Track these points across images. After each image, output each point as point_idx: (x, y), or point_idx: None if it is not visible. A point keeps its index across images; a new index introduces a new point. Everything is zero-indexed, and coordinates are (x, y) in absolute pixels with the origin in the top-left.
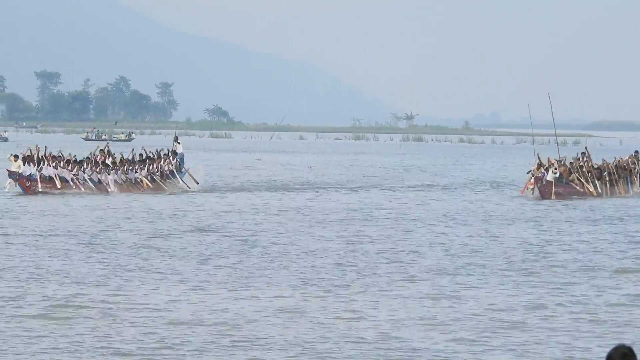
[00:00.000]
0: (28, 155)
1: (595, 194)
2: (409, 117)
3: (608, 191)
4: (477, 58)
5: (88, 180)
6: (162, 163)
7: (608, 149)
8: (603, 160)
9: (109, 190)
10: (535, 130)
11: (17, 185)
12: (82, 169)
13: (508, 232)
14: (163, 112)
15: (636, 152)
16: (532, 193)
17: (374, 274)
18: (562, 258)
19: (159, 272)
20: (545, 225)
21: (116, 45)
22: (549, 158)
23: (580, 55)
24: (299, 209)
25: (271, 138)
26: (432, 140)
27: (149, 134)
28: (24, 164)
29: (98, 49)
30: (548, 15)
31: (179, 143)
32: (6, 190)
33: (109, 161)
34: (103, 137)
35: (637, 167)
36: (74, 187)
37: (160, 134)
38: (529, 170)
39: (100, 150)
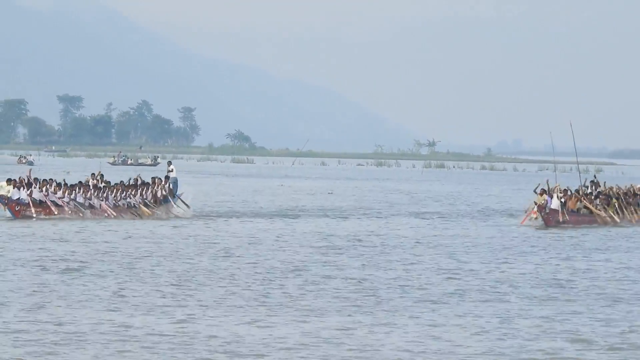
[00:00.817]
0: (19, 180)
1: (609, 221)
2: (431, 144)
3: (618, 218)
4: (500, 85)
5: (78, 205)
6: (155, 188)
7: (631, 177)
8: (611, 186)
9: (105, 214)
10: (557, 157)
11: (7, 209)
12: (74, 193)
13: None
14: (185, 137)
15: None
16: (536, 219)
17: (388, 299)
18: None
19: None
20: (553, 256)
21: (139, 70)
22: (557, 185)
23: (602, 83)
24: (317, 233)
25: (293, 164)
26: (454, 167)
27: (171, 158)
28: (17, 189)
29: (120, 73)
30: (571, 43)
31: (171, 169)
32: (6, 213)
33: (101, 185)
34: (130, 161)
35: None
36: (67, 211)
37: (182, 158)
38: (538, 190)
39: (92, 174)
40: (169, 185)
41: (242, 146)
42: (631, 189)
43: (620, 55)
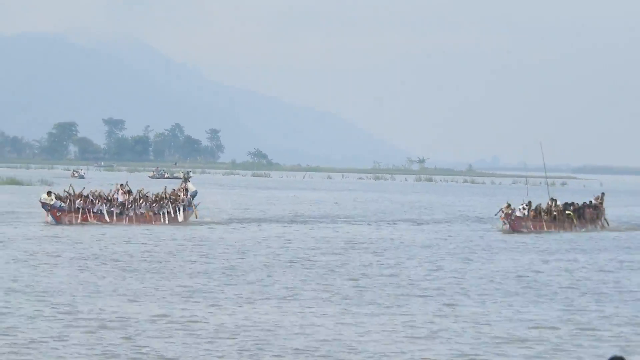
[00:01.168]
0: (68, 193)
1: (556, 228)
2: (421, 161)
3: (572, 227)
4: (479, 110)
5: (106, 213)
6: (176, 199)
7: (590, 190)
8: (568, 203)
9: (132, 221)
10: (528, 172)
11: (50, 215)
12: (108, 203)
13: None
14: (212, 154)
15: (602, 193)
16: (504, 225)
17: (381, 290)
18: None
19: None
20: (517, 254)
21: (172, 97)
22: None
23: (567, 108)
24: (324, 238)
25: (304, 177)
26: (440, 180)
27: (200, 172)
28: (57, 199)
29: (157, 100)
30: (541, 74)
31: (187, 181)
32: (45, 221)
33: (130, 197)
34: (166, 175)
35: (602, 206)
36: (101, 219)
37: (209, 173)
38: (498, 210)
39: (120, 185)
40: (189, 196)
41: (260, 162)
42: (589, 203)
43: (584, 86)
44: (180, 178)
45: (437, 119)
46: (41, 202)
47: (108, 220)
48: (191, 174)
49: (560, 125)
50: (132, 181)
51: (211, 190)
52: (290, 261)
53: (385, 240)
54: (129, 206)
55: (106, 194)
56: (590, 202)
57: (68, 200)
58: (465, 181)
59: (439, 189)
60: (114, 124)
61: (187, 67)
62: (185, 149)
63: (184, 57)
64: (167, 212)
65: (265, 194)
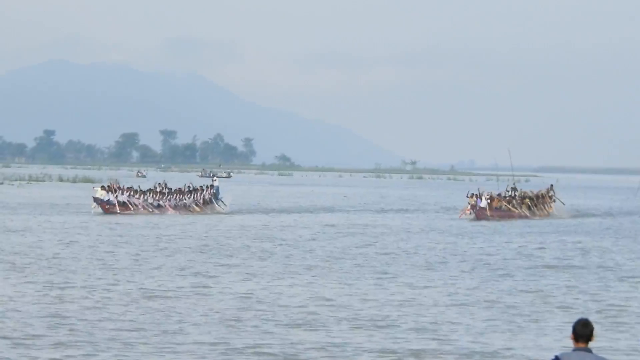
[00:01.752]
0: (109, 186)
1: (522, 215)
2: (413, 163)
3: (529, 214)
4: (460, 120)
5: (149, 205)
6: (204, 193)
7: (547, 185)
8: (524, 191)
9: (168, 212)
10: (499, 172)
11: (99, 207)
12: (147, 197)
13: (452, 241)
14: (246, 158)
15: (551, 185)
16: (470, 215)
17: (384, 266)
18: (494, 258)
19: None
20: (481, 237)
21: (215, 113)
22: (479, 190)
23: (531, 117)
24: (335, 224)
25: (319, 176)
26: (429, 178)
27: (236, 172)
28: (106, 193)
29: (202, 115)
30: (504, 83)
31: (214, 180)
32: (92, 211)
33: (165, 191)
34: (211, 175)
35: (553, 196)
36: (141, 209)
37: (243, 172)
38: (469, 195)
39: (158, 183)
40: (213, 191)
41: (284, 164)
42: (539, 193)
43: (545, 96)
44: (224, 177)
45: (426, 128)
46: (94, 197)
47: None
48: (232, 174)
49: (523, 132)
50: (182, 180)
51: (245, 187)
52: (293, 244)
53: (386, 226)
54: (166, 200)
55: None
56: (542, 193)
57: (116, 194)
58: (449, 179)
59: (428, 185)
60: (168, 134)
61: (227, 89)
62: (225, 154)
63: (225, 82)
64: (195, 204)
65: (289, 190)
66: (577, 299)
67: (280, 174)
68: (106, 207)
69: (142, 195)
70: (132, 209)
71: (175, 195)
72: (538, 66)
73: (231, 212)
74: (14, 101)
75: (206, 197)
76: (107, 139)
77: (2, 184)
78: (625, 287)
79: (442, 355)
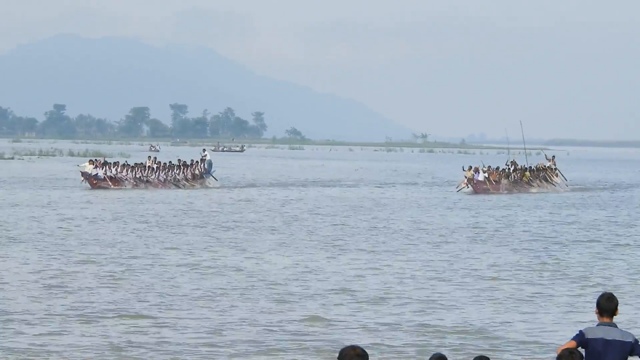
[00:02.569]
0: (97, 160)
1: (515, 190)
2: (424, 136)
3: (536, 187)
4: (471, 93)
5: (137, 180)
6: (194, 168)
7: (559, 159)
8: (523, 165)
9: (157, 187)
10: (510, 145)
11: (86, 182)
12: (135, 172)
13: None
14: (256, 132)
15: (553, 156)
16: (467, 188)
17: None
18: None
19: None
20: (480, 211)
21: (224, 86)
22: (477, 167)
23: (543, 91)
24: (346, 196)
25: (330, 150)
26: (440, 152)
27: (248, 147)
28: (94, 168)
29: (212, 89)
30: (521, 60)
31: (205, 154)
32: (85, 185)
33: (154, 166)
34: (225, 149)
35: (555, 168)
36: (130, 184)
37: (254, 147)
38: (466, 168)
39: (149, 157)
40: (204, 165)
41: (295, 138)
42: (540, 165)
43: (558, 67)
44: (237, 150)
45: (436, 100)
46: (81, 171)
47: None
48: (245, 147)
49: (534, 105)
50: (195, 155)
51: (257, 161)
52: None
53: (395, 200)
54: (155, 175)
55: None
56: (543, 165)
57: (104, 169)
58: (460, 152)
59: (439, 159)
60: (178, 108)
61: (236, 63)
62: (235, 128)
63: (233, 55)
64: (185, 179)
65: (299, 163)
66: (590, 273)
67: (290, 148)
68: (94, 182)
69: (130, 171)
70: (120, 184)
71: (165, 170)
72: (550, 39)
73: (241, 186)
74: (24, 75)
75: (196, 171)
76: (118, 113)
77: (12, 158)
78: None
79: (451, 332)
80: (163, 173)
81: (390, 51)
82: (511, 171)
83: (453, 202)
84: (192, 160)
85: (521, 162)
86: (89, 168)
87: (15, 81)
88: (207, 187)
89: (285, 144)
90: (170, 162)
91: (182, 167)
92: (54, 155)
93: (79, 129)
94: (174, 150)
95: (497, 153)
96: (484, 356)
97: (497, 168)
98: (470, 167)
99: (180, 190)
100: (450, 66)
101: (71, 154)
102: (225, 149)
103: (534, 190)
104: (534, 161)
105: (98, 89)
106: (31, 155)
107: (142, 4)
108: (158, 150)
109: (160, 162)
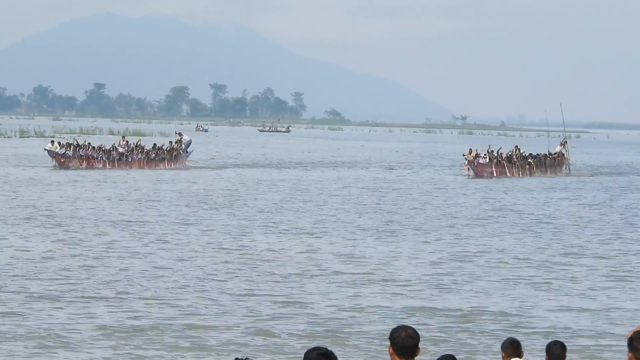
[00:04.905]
0: (59, 142)
1: (517, 175)
2: (463, 118)
3: (531, 174)
4: (510, 74)
5: (109, 159)
6: (172, 148)
7: (599, 142)
8: (532, 154)
9: (128, 167)
10: (550, 127)
11: (54, 161)
12: (110, 152)
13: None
14: (296, 113)
15: (565, 141)
16: (468, 172)
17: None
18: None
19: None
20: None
21: (265, 67)
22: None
23: (582, 72)
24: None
25: (369, 131)
26: (479, 133)
27: (287, 127)
28: (59, 146)
29: (252, 69)
30: (563, 41)
31: (181, 135)
32: (50, 165)
33: (130, 146)
34: (270, 129)
35: (566, 154)
36: (102, 164)
37: (294, 127)
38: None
39: (122, 136)
40: (182, 146)
41: (334, 119)
42: (545, 153)
43: (599, 49)
44: (283, 131)
45: (475, 83)
46: (46, 150)
47: (109, 166)
48: (291, 128)
49: (574, 87)
50: (238, 134)
51: (297, 141)
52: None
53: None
54: (128, 155)
55: (108, 147)
56: (550, 153)
57: (72, 149)
58: (499, 134)
59: (479, 140)
60: (218, 88)
61: (277, 43)
62: (275, 109)
63: (275, 36)
64: (166, 159)
65: (338, 144)
66: (596, 258)
67: (330, 129)
68: (62, 161)
69: (106, 152)
70: (92, 163)
71: (141, 150)
72: (592, 19)
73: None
74: (64, 54)
75: (174, 153)
76: (157, 92)
77: (53, 136)
78: None
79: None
80: (140, 153)
81: (428, 31)
82: (513, 156)
83: (473, 188)
84: (171, 142)
85: (554, 145)
86: (55, 146)
87: (55, 60)
88: (184, 166)
89: (325, 124)
90: (139, 140)
91: (157, 147)
92: (94, 134)
93: (118, 108)
94: (222, 129)
95: (536, 135)
96: (450, 355)
97: (499, 150)
98: (471, 150)
99: (161, 169)
100: (490, 46)
101: (111, 132)
102: (271, 129)
103: (536, 175)
104: (574, 144)
105: (137, 68)
106: (71, 133)
107: None
108: (206, 131)
109: (132, 143)
